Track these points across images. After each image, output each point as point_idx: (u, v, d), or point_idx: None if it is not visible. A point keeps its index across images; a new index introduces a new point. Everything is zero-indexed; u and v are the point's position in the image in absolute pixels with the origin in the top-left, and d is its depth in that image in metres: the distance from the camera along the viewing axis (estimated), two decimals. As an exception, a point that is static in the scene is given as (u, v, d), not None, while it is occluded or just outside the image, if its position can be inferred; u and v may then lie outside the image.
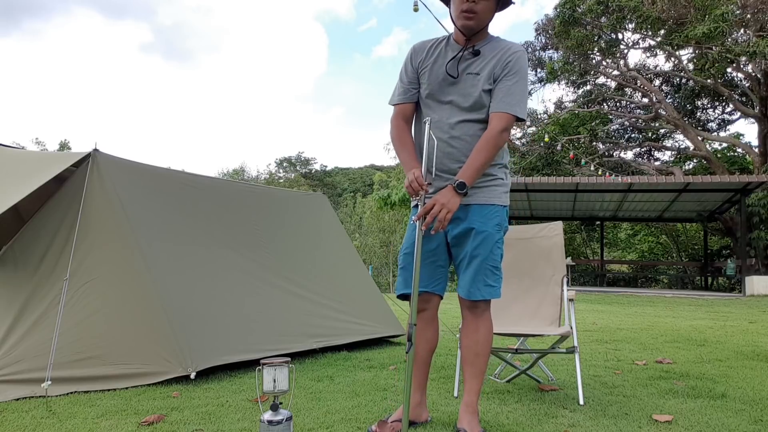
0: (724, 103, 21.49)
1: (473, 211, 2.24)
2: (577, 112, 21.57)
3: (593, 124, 21.17)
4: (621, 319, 7.73)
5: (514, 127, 22.81)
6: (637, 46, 20.64)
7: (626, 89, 21.84)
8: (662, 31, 18.18)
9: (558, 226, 3.33)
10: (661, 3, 16.90)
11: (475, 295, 2.24)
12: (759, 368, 3.80)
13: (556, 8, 19.62)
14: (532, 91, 23.56)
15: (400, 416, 2.11)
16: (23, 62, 75.88)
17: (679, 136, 22.13)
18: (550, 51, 22.44)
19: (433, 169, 2.25)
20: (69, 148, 26.74)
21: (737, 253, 15.41)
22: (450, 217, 2.12)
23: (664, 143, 23.29)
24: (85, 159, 3.55)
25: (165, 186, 3.93)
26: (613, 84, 22.01)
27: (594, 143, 21.80)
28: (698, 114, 22.43)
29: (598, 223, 20.69)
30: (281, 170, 44.01)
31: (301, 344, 3.97)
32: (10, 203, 3.27)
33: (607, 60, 20.76)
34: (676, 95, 21.66)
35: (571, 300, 3.05)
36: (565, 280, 3.23)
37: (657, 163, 22.99)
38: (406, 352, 2.09)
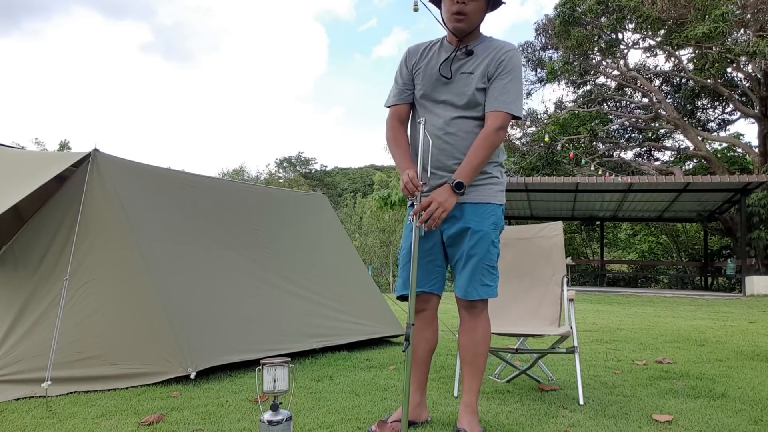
0: (724, 103, 21.48)
1: (468, 210, 2.23)
2: (577, 112, 21.56)
3: (593, 124, 21.16)
4: (621, 319, 7.73)
5: (514, 127, 22.97)
6: (637, 46, 20.64)
7: (626, 89, 21.84)
8: (662, 31, 18.18)
9: (558, 226, 3.33)
10: (661, 3, 16.90)
11: (472, 294, 2.24)
12: (759, 368, 3.80)
13: (556, 8, 19.62)
14: (531, 91, 23.60)
15: (400, 416, 2.11)
16: (23, 62, 75.92)
17: (679, 136, 22.13)
18: (550, 51, 22.45)
19: (429, 168, 2.25)
20: (69, 148, 26.74)
21: (737, 253, 15.41)
22: (445, 216, 2.13)
23: (664, 143, 23.29)
24: (85, 159, 3.55)
25: (165, 186, 3.93)
26: (613, 84, 22.00)
27: (594, 143, 21.79)
28: (698, 114, 22.43)
29: (598, 223, 20.68)
30: (281, 170, 44.01)
31: (301, 344, 3.97)
32: (10, 203, 3.27)
33: (607, 60, 20.76)
34: (676, 95, 21.65)
35: (571, 300, 3.05)
36: (565, 280, 3.23)
37: (657, 163, 22.98)
38: (404, 351, 2.09)
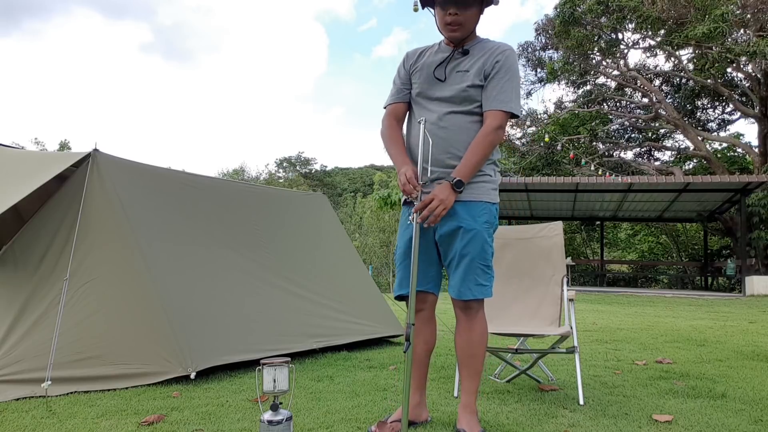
0: (724, 103, 21.48)
1: (460, 209, 2.21)
2: (577, 112, 21.56)
3: (593, 124, 21.17)
4: (621, 319, 7.73)
5: (514, 127, 22.97)
6: (637, 46, 20.64)
7: (626, 89, 21.84)
8: (662, 31, 18.18)
9: (558, 226, 3.33)
10: (661, 3, 16.90)
11: (466, 294, 2.22)
12: (759, 368, 3.80)
13: (556, 8, 19.63)
14: (531, 91, 23.60)
15: (400, 416, 2.11)
16: (23, 62, 75.91)
17: (679, 136, 22.13)
18: (550, 51, 22.45)
19: (429, 167, 2.24)
20: (69, 148, 26.73)
21: (737, 253, 15.41)
22: (444, 213, 2.12)
23: (664, 143, 23.29)
24: (85, 159, 3.55)
25: (165, 186, 3.93)
26: (613, 84, 22.00)
27: (594, 143, 21.80)
28: (698, 114, 22.43)
29: (598, 223, 20.68)
30: (281, 170, 43.99)
31: (301, 344, 3.97)
32: (10, 203, 3.27)
33: (607, 60, 20.76)
34: (676, 95, 21.65)
35: (571, 300, 3.05)
36: (565, 280, 3.23)
37: (657, 163, 22.98)
38: (404, 352, 2.09)
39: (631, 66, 21.11)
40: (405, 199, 2.39)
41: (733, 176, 14.94)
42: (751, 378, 3.45)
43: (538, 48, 22.73)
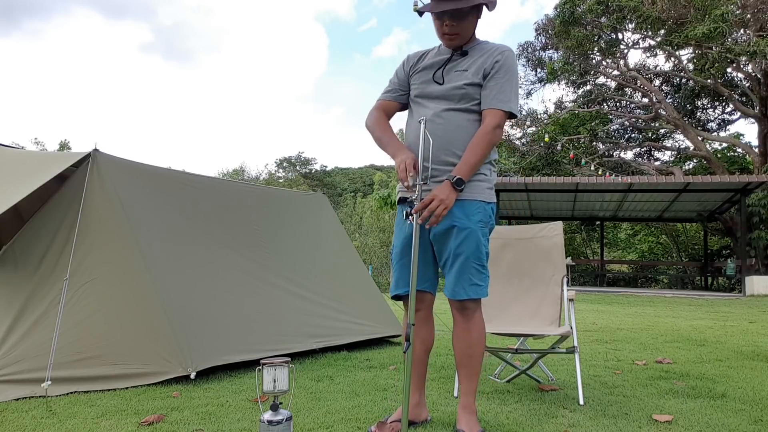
0: (724, 103, 21.49)
1: (455, 208, 2.19)
2: (577, 112, 21.56)
3: (593, 124, 21.17)
4: (621, 319, 7.73)
5: (514, 127, 22.96)
6: (637, 46, 20.65)
7: (626, 89, 21.84)
8: (662, 31, 18.18)
9: (558, 226, 3.33)
10: (661, 3, 16.91)
11: (460, 294, 2.22)
12: (759, 368, 3.80)
13: (556, 8, 19.64)
14: (531, 91, 23.60)
15: (400, 416, 2.11)
16: (23, 62, 75.89)
17: (679, 136, 22.13)
18: (550, 51, 22.45)
19: (429, 165, 2.24)
20: (69, 148, 26.74)
21: (737, 253, 15.41)
22: (446, 213, 2.11)
23: (664, 143, 23.29)
24: (85, 159, 3.55)
25: (165, 186, 3.93)
26: (613, 84, 22.01)
27: (594, 143, 21.80)
28: (698, 114, 22.43)
29: (598, 223, 20.69)
30: (281, 170, 43.97)
31: (301, 344, 3.97)
32: (10, 203, 3.27)
33: (607, 60, 20.76)
34: (676, 95, 21.66)
35: (571, 300, 3.05)
36: (565, 280, 3.23)
37: (657, 163, 22.99)
38: (404, 352, 2.08)
39: (631, 66, 21.12)
40: (401, 197, 2.38)
41: (733, 176, 14.94)
42: (751, 378, 3.45)
43: (538, 48, 22.73)
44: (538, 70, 22.97)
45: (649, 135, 22.82)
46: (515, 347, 3.22)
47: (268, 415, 1.98)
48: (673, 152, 23.09)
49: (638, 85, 20.66)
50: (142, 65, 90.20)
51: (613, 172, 19.77)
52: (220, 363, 3.38)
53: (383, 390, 3.06)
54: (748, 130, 54.10)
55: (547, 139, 20.49)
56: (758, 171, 16.95)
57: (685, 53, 19.46)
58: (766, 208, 14.21)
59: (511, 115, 2.25)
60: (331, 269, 4.82)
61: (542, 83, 23.24)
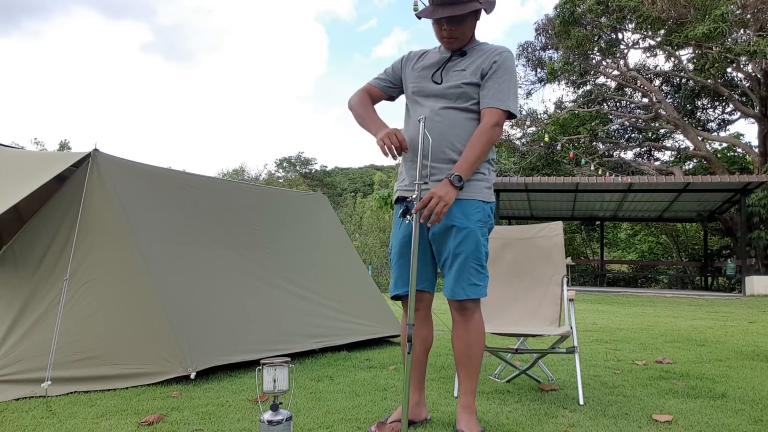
0: (724, 103, 21.48)
1: (453, 207, 2.18)
2: (577, 112, 21.56)
3: (593, 124, 21.16)
4: (621, 319, 7.73)
5: (514, 127, 22.95)
6: (637, 46, 20.64)
7: (626, 89, 21.84)
8: (662, 31, 18.18)
9: (558, 226, 3.33)
10: (661, 3, 16.90)
11: (459, 294, 2.21)
12: (759, 368, 3.80)
13: (556, 8, 19.63)
14: (531, 91, 23.60)
15: (400, 416, 2.11)
16: (23, 62, 75.88)
17: (679, 136, 22.13)
18: (550, 51, 22.44)
19: (429, 164, 2.24)
20: (69, 148, 26.73)
21: (737, 253, 15.41)
22: (446, 210, 2.10)
23: (664, 143, 23.28)
24: (85, 159, 3.55)
25: (165, 186, 3.93)
26: (613, 84, 22.00)
27: (594, 143, 21.79)
28: (698, 114, 22.43)
29: (598, 223, 20.68)
30: (281, 170, 43.95)
31: (301, 344, 3.97)
32: (10, 203, 3.27)
33: (607, 60, 20.76)
34: (676, 95, 21.65)
35: (571, 300, 3.05)
36: (565, 280, 3.23)
37: (657, 163, 22.99)
38: (408, 353, 2.06)
39: (631, 66, 21.11)
40: (399, 196, 2.38)
41: (733, 176, 14.94)
42: (751, 378, 3.45)
43: (538, 48, 22.72)
44: (538, 70, 22.96)
45: (649, 135, 22.82)
46: (515, 347, 3.22)
47: (268, 415, 1.98)
48: (673, 152, 23.09)
49: (638, 85, 20.66)
50: (142, 65, 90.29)
51: (613, 172, 19.77)
52: (220, 363, 3.38)
53: (383, 390, 3.06)
54: (748, 130, 54.13)
55: (547, 139, 20.48)
56: (758, 171, 16.95)
57: (685, 53, 19.46)
58: (766, 208, 14.21)
59: (509, 115, 2.25)
60: (331, 269, 4.82)
61: (542, 83, 23.24)
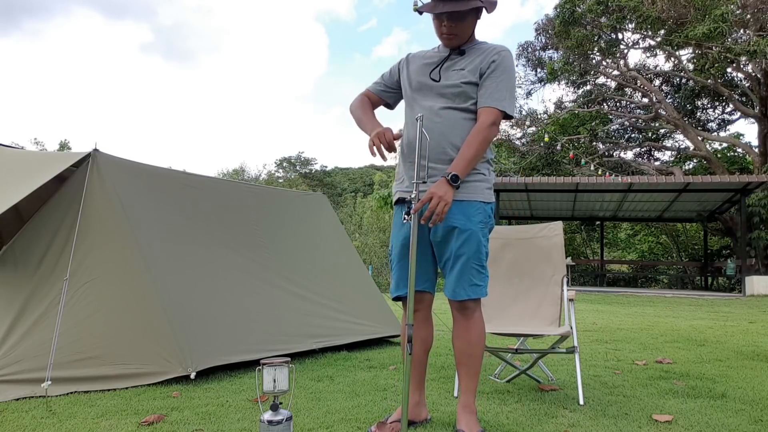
0: (724, 103, 21.48)
1: (455, 209, 2.19)
2: (577, 112, 21.55)
3: (593, 124, 21.16)
4: (621, 319, 7.73)
5: (514, 127, 22.94)
6: (637, 46, 20.64)
7: (626, 89, 21.83)
8: (662, 31, 18.18)
9: (558, 226, 3.33)
10: (661, 3, 16.90)
11: (460, 295, 2.22)
12: (759, 368, 3.80)
13: (556, 8, 19.63)
14: (531, 91, 23.58)
15: (400, 416, 2.11)
16: (23, 62, 75.85)
17: (679, 136, 22.12)
18: (550, 51, 22.43)
19: (426, 164, 2.24)
20: (69, 148, 26.73)
21: (737, 253, 15.40)
22: (447, 210, 2.10)
23: (664, 143, 23.28)
24: (85, 159, 3.55)
25: (165, 186, 3.93)
26: (613, 84, 22.00)
27: (594, 143, 21.79)
28: (698, 114, 22.42)
29: (598, 223, 20.68)
30: (281, 170, 43.92)
31: (301, 344, 3.97)
32: (10, 203, 3.27)
33: (607, 60, 20.76)
34: (676, 95, 21.65)
35: (571, 300, 3.05)
36: (565, 280, 3.23)
37: (657, 163, 22.98)
38: (409, 353, 2.06)
39: (631, 66, 21.11)
40: (398, 198, 2.38)
41: (733, 176, 14.93)
42: (751, 378, 3.45)
43: (538, 48, 22.71)
44: (538, 70, 22.95)
45: (649, 135, 22.82)
46: (515, 347, 3.22)
47: (268, 415, 1.98)
48: (673, 152, 23.09)
49: (638, 85, 20.66)
50: (142, 65, 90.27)
51: (613, 172, 19.77)
52: (220, 363, 3.38)
53: (383, 390, 3.06)
54: (748, 130, 54.14)
55: (547, 139, 20.48)
56: (758, 171, 16.95)
57: (685, 53, 19.46)
58: (766, 208, 14.21)
59: (506, 116, 2.25)
60: (331, 269, 4.82)
61: (542, 83, 23.22)
